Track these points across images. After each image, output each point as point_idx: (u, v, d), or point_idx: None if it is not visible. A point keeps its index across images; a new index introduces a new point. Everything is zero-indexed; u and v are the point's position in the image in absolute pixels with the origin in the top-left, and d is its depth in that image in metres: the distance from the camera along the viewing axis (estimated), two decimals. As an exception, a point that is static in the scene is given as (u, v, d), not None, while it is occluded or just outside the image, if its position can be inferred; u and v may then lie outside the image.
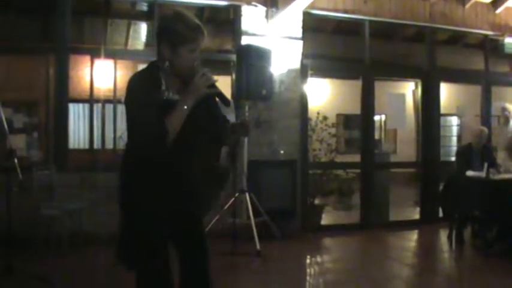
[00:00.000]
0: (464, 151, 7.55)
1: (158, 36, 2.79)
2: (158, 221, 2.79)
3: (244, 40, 7.46)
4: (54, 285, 5.03)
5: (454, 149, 12.96)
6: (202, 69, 2.75)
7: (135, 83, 2.75)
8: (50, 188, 6.56)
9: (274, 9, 7.55)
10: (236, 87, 7.06)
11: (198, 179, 2.93)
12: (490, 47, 9.48)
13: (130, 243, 2.86)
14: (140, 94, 2.69)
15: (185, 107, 2.68)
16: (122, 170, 2.88)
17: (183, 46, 2.71)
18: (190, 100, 2.69)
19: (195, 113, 2.73)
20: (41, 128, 9.94)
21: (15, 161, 4.88)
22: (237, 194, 6.81)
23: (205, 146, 2.97)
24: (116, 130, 7.51)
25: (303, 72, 7.91)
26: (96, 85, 7.47)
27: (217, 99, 2.90)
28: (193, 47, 2.74)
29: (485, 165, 6.80)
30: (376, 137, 12.68)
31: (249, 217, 6.67)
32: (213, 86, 2.75)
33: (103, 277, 5.61)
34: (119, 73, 7.55)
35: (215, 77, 2.78)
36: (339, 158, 9.72)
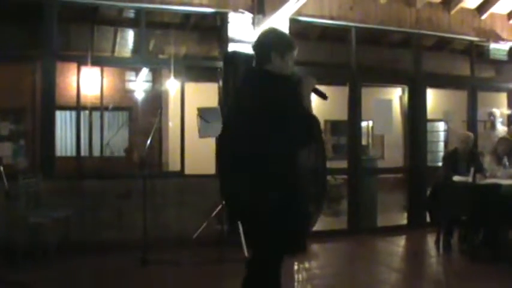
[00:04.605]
0: (450, 156, 7.57)
1: (267, 47, 3.26)
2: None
3: (231, 47, 7.46)
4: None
5: (441, 154, 13.01)
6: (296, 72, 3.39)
7: (288, 90, 3.18)
8: (36, 196, 6.53)
9: (260, 16, 7.57)
10: (223, 94, 7.06)
11: None
12: (476, 53, 9.57)
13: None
14: (296, 97, 3.18)
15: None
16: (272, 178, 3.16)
17: (288, 55, 3.28)
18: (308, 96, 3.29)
19: None
20: (28, 136, 9.87)
21: (1, 168, 4.87)
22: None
23: None
24: (103, 137, 7.49)
25: (290, 79, 7.91)
26: (83, 92, 7.44)
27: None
28: (293, 55, 3.32)
29: (472, 170, 6.83)
30: (364, 142, 12.73)
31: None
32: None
33: (89, 286, 5.59)
34: (106, 80, 7.56)
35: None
36: (327, 164, 9.72)
